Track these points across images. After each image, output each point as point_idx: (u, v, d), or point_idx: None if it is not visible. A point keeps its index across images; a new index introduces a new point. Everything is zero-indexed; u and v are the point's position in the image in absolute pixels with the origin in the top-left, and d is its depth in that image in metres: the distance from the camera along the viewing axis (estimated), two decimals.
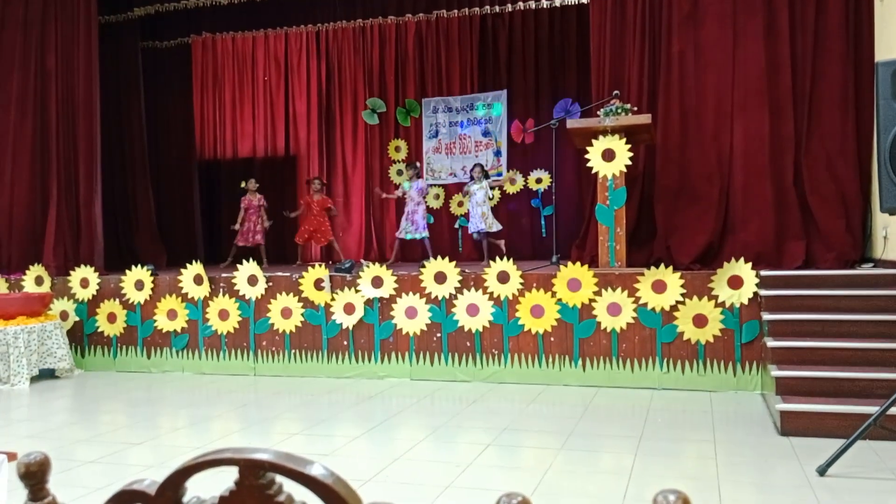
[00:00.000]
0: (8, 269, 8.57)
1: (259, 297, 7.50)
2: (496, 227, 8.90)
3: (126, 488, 0.94)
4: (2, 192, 8.79)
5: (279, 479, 0.90)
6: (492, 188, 9.17)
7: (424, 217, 9.26)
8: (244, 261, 7.65)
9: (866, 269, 6.19)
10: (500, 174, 10.23)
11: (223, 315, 7.59)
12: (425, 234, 9.18)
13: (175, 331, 7.76)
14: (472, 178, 9.05)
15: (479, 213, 8.80)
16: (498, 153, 10.31)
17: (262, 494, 0.88)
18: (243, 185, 10.01)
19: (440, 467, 4.39)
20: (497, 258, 6.92)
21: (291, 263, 9.87)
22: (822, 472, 4.01)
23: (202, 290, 7.66)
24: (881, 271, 5.99)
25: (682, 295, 6.34)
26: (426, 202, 9.49)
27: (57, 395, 6.90)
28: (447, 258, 7.11)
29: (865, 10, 6.69)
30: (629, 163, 6.63)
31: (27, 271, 8.21)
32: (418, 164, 9.82)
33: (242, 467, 0.88)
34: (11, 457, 2.27)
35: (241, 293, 7.55)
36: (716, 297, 6.27)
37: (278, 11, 10.68)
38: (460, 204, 10.39)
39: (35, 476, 1.01)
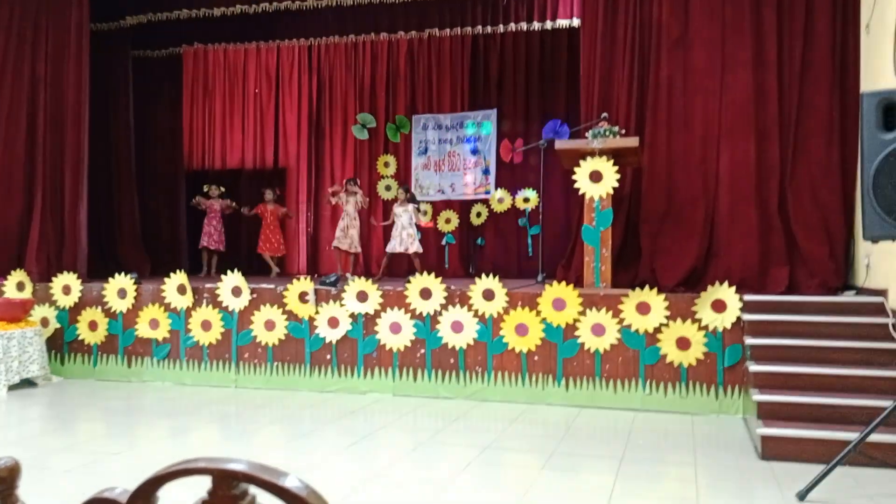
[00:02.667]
0: None
1: (242, 308, 7.46)
2: (418, 248, 9.00)
3: (97, 496, 0.93)
4: None
5: (253, 490, 0.89)
6: (419, 211, 9.22)
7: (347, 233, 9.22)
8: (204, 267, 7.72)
9: (849, 297, 6.23)
10: (488, 192, 10.25)
11: (206, 326, 7.54)
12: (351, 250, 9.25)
13: (157, 340, 7.70)
14: (396, 199, 9.11)
15: (405, 234, 8.84)
16: (486, 172, 10.34)
17: None
18: (205, 189, 10.15)
19: (421, 485, 4.37)
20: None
21: (267, 274, 9.81)
22: (801, 497, 4.02)
23: (185, 300, 7.61)
24: (863, 299, 6.03)
25: (666, 317, 6.36)
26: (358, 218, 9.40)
27: (35, 402, 6.82)
28: (433, 274, 7.10)
29: (851, 40, 6.78)
30: (616, 185, 6.66)
31: (8, 276, 8.13)
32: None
33: (216, 477, 0.87)
34: None
35: (224, 304, 7.50)
36: (699, 321, 6.29)
37: (270, 25, 10.69)
38: (448, 221, 10.40)
39: (5, 482, 0.99)
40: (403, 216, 8.90)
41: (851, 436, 4.34)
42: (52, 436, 5.58)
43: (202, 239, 10.00)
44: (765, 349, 5.73)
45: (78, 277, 8.07)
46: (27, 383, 7.43)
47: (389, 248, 8.98)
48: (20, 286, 8.09)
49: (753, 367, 5.53)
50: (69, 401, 6.94)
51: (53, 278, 8.09)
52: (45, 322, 7.93)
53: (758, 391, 5.31)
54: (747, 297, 6.25)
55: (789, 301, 6.21)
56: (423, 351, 6.97)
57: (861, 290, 6.36)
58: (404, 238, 8.82)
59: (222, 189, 10.20)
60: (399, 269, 9.80)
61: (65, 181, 8.68)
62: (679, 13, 7.13)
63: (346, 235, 9.06)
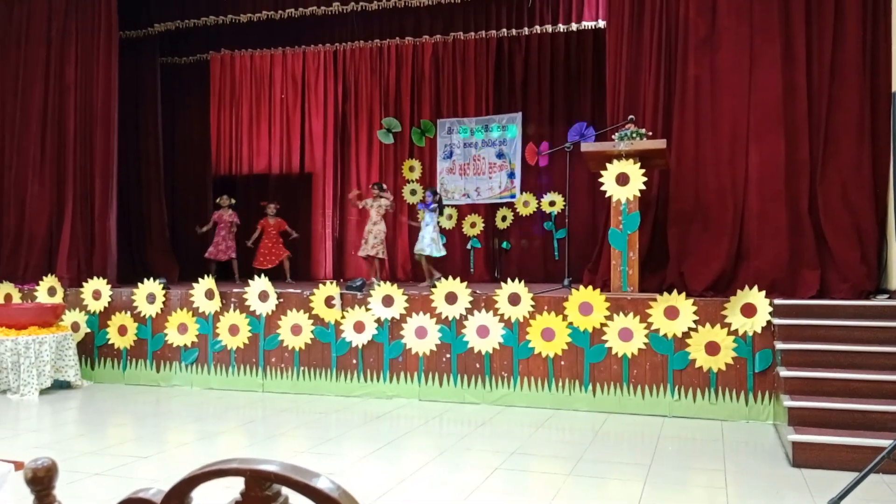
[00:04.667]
0: (22, 279, 8.62)
1: (269, 313, 7.50)
2: (441, 253, 9.02)
3: (132, 497, 0.94)
4: (20, 203, 8.88)
5: (285, 491, 0.88)
6: (440, 212, 9.25)
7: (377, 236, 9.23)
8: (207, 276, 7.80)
9: (881, 301, 6.12)
10: (513, 195, 10.26)
11: (233, 330, 7.59)
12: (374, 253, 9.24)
13: (185, 345, 7.76)
14: (423, 202, 9.14)
15: (428, 236, 8.87)
16: (512, 175, 10.32)
17: None
18: (218, 200, 10.24)
19: (447, 490, 4.35)
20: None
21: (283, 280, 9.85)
22: None
23: (213, 305, 7.67)
24: None
25: (695, 322, 6.29)
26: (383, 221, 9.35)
27: (65, 406, 6.90)
28: (458, 279, 7.09)
29: (883, 39, 6.68)
30: (643, 187, 6.61)
31: (40, 282, 8.25)
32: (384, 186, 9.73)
33: (248, 478, 0.87)
34: (18, 466, 2.26)
35: (251, 309, 7.55)
36: (729, 325, 6.22)
37: (296, 30, 10.77)
38: (473, 225, 10.39)
39: (42, 482, 1.00)
40: (427, 217, 8.95)
41: (885, 442, 4.27)
42: (82, 439, 5.64)
43: (210, 249, 10.03)
44: (796, 354, 5.65)
45: (108, 283, 8.17)
46: (58, 387, 7.53)
47: (426, 251, 8.98)
48: (51, 291, 8.21)
49: (784, 373, 5.45)
50: (99, 405, 7.02)
51: (84, 283, 8.20)
52: (75, 327, 8.04)
53: (789, 397, 5.24)
54: (777, 302, 6.17)
55: (820, 305, 6.12)
56: (448, 355, 6.96)
57: (894, 294, 6.25)
58: (430, 240, 8.85)
59: (232, 200, 10.26)
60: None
61: (94, 187, 8.80)
62: (706, 12, 7.06)
63: (367, 242, 9.08)
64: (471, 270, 10.29)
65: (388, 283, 7.43)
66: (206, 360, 7.72)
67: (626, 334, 6.44)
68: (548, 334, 6.64)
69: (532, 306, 6.72)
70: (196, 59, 11.50)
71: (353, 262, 11.00)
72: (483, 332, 6.84)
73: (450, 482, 4.51)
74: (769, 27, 6.87)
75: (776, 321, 6.03)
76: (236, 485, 0.89)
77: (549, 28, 9.92)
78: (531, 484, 4.56)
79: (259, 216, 10.27)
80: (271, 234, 10.08)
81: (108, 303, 8.06)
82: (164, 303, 7.88)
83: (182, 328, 7.76)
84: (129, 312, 7.99)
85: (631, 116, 6.92)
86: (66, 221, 8.69)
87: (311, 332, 7.36)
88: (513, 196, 10.30)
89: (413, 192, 10.75)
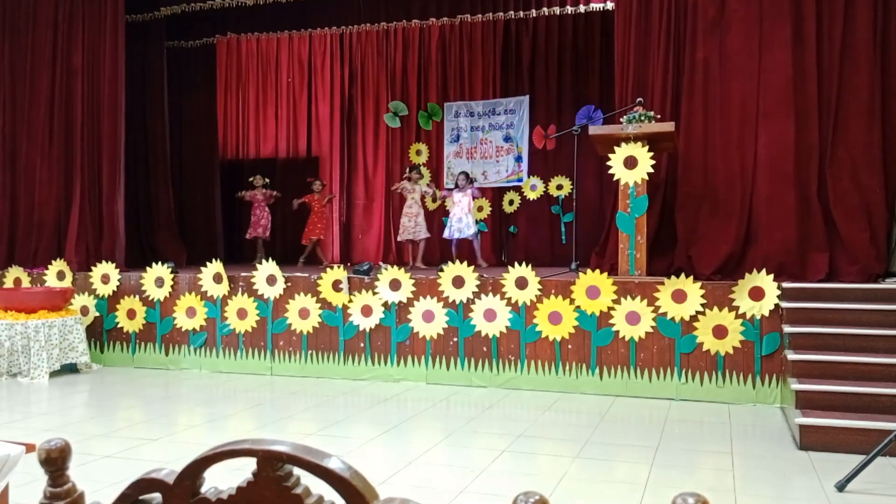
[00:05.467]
0: (31, 263, 8.67)
1: (277, 296, 7.52)
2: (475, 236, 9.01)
3: (144, 477, 0.94)
4: (29, 188, 8.92)
5: (297, 471, 0.89)
6: (475, 198, 9.16)
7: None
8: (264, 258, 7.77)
9: (890, 284, 6.10)
10: (520, 179, 10.23)
11: (241, 314, 7.62)
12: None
13: (194, 329, 7.80)
14: (457, 186, 9.08)
15: (470, 219, 8.81)
16: (519, 159, 10.29)
17: (279, 486, 0.88)
18: (251, 180, 10.17)
19: (454, 472, 4.38)
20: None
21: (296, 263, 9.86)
22: (840, 487, 3.96)
23: (221, 289, 7.69)
24: None
25: (703, 305, 6.29)
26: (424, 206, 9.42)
27: (75, 389, 6.96)
28: (465, 262, 7.09)
29: (894, 20, 6.60)
30: (651, 170, 6.59)
31: (49, 266, 8.29)
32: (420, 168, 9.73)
33: (260, 459, 0.88)
34: (30, 448, 2.28)
35: (259, 292, 7.58)
36: (736, 309, 6.21)
37: (302, 13, 10.72)
38: (480, 209, 10.37)
39: (55, 462, 1.01)
40: (464, 201, 8.87)
41: (893, 425, 4.27)
42: (92, 422, 5.69)
43: (250, 230, 9.96)
44: (803, 337, 5.65)
45: (116, 267, 8.21)
46: (68, 371, 7.59)
47: (457, 235, 8.91)
48: (60, 275, 8.25)
49: (792, 356, 5.45)
50: (108, 388, 7.07)
51: (92, 267, 8.24)
52: (84, 310, 8.08)
53: (796, 380, 5.24)
54: (786, 285, 6.16)
55: (829, 288, 6.11)
56: (455, 339, 6.98)
57: None
58: (471, 222, 8.81)
59: (266, 180, 10.20)
60: (432, 256, 9.79)
61: (102, 172, 8.82)
62: None
63: (413, 225, 9.04)
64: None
65: (394, 266, 7.44)
66: (214, 344, 7.76)
67: (633, 318, 6.44)
68: (555, 318, 6.65)
69: (539, 290, 6.73)
70: (202, 42, 11.46)
71: (359, 246, 11.01)
72: (490, 315, 6.85)
73: (457, 464, 4.53)
74: (778, 9, 6.80)
75: (784, 304, 6.02)
76: (247, 466, 0.90)
77: (557, 10, 9.84)
78: (538, 466, 4.58)
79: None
80: (317, 209, 10.00)
81: (117, 287, 8.10)
82: (172, 287, 7.91)
83: (190, 312, 7.80)
84: (137, 296, 8.03)
85: (639, 99, 6.88)
86: (75, 206, 8.72)
87: (319, 315, 7.38)
88: (520, 180, 10.27)
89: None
